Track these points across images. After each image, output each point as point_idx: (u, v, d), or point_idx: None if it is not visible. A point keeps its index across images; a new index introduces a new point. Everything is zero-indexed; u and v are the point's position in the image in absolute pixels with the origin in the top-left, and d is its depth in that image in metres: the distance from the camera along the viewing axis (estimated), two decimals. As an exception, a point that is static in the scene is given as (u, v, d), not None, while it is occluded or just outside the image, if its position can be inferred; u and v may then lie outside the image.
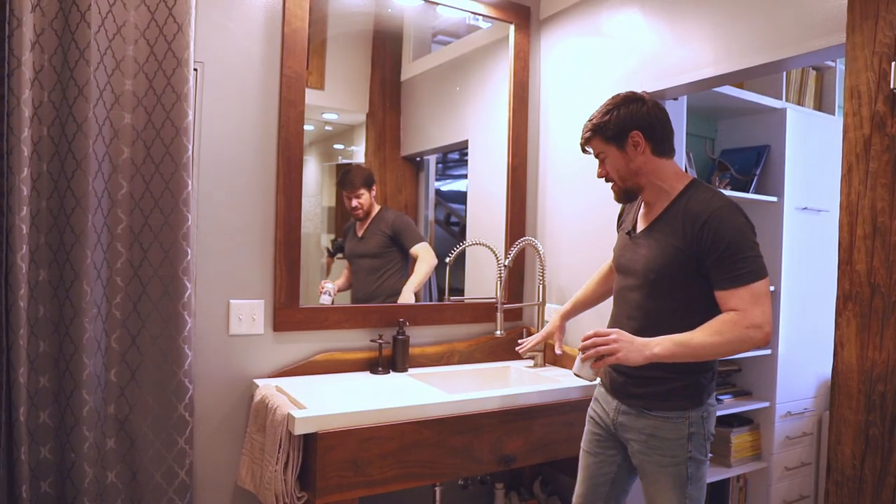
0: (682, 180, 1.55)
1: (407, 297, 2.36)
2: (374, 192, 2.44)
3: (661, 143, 1.54)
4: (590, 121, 1.58)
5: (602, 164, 1.59)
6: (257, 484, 1.77)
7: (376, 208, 2.45)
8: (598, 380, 1.73)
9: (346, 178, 2.44)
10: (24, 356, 1.57)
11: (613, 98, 1.57)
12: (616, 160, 1.55)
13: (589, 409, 1.74)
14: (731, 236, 1.41)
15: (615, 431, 1.62)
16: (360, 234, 2.44)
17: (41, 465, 1.65)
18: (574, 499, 1.73)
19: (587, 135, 1.58)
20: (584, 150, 1.64)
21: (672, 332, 1.43)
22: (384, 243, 2.44)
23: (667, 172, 1.55)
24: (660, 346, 1.41)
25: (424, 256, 2.45)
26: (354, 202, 2.41)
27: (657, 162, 1.54)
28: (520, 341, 2.03)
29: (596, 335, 1.43)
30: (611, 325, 1.62)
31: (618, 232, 1.76)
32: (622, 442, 1.63)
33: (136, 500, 1.76)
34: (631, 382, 1.57)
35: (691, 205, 1.49)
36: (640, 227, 1.61)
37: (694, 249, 1.45)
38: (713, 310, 1.45)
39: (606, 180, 1.61)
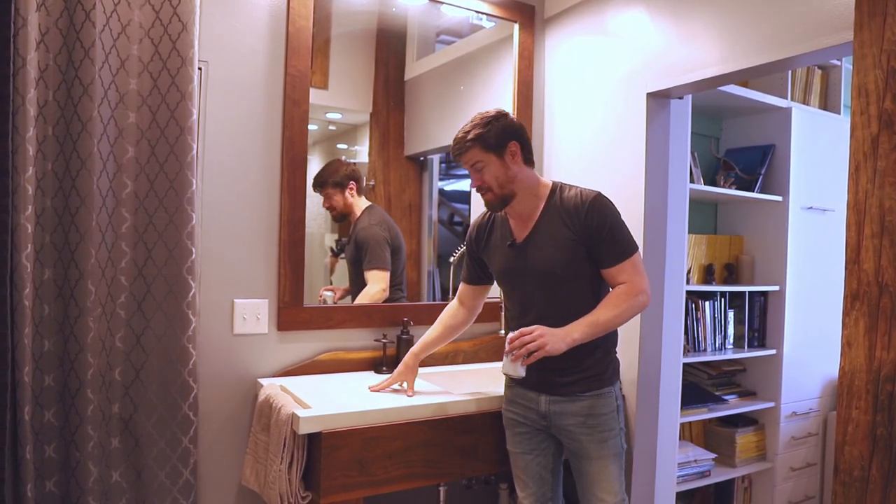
0: (545, 184, 1.72)
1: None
2: (351, 191, 2.31)
3: (529, 152, 1.72)
4: (465, 133, 1.66)
5: (479, 173, 1.67)
6: (261, 483, 1.77)
7: (361, 209, 2.34)
8: (507, 381, 1.83)
9: (315, 178, 2.25)
10: (28, 355, 1.57)
11: (484, 114, 1.68)
12: (495, 168, 1.66)
13: (505, 413, 1.82)
14: (612, 218, 1.64)
15: (548, 422, 1.71)
16: (348, 236, 2.38)
17: (46, 465, 1.64)
18: (527, 500, 1.77)
19: (467, 144, 1.66)
20: (456, 161, 1.71)
21: (580, 316, 1.60)
22: (352, 253, 2.34)
23: (533, 179, 1.71)
24: (577, 331, 1.57)
25: (370, 289, 2.26)
26: (325, 203, 2.29)
27: (527, 170, 1.70)
28: (370, 387, 1.90)
29: (521, 334, 1.55)
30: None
31: (477, 253, 1.86)
32: (551, 432, 1.73)
33: (140, 499, 1.76)
34: (557, 374, 1.67)
35: (567, 200, 1.67)
36: (522, 234, 1.72)
37: (584, 235, 1.63)
38: (602, 286, 1.68)
39: (481, 189, 1.69)
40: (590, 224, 1.62)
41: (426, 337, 1.95)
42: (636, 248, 1.66)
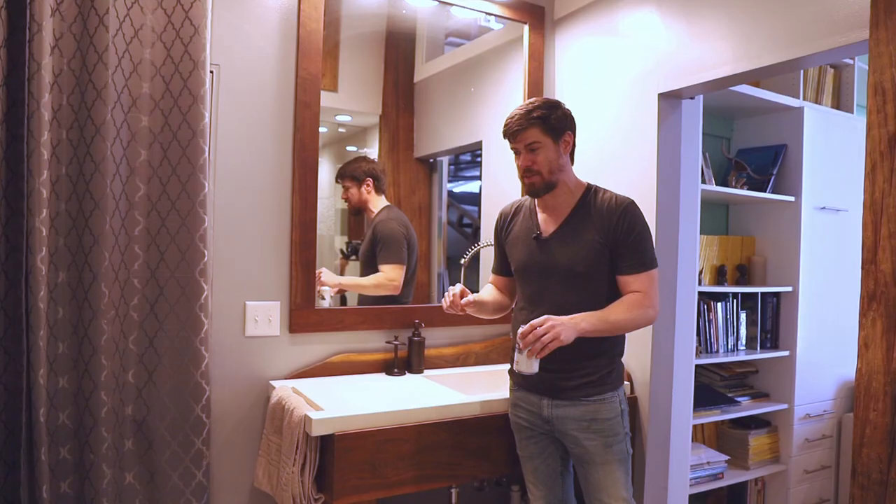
0: (581, 183, 1.72)
1: (329, 278, 2.23)
2: (367, 187, 2.34)
3: (575, 148, 1.72)
4: (526, 110, 1.64)
5: (532, 154, 1.65)
6: (274, 485, 1.77)
7: (379, 206, 2.37)
8: (511, 384, 1.81)
9: (338, 170, 2.38)
10: (43, 358, 1.58)
11: (545, 99, 1.68)
12: (550, 153, 1.65)
13: (511, 418, 1.80)
14: (640, 228, 1.63)
15: (551, 426, 1.69)
16: (360, 238, 2.39)
17: (60, 466, 1.65)
18: (538, 503, 1.77)
19: (531, 121, 1.63)
20: (511, 137, 1.66)
21: None
22: (367, 249, 2.35)
23: (572, 175, 1.72)
24: (585, 321, 1.55)
25: (379, 277, 2.29)
26: (343, 195, 2.36)
27: (569, 164, 1.71)
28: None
29: (533, 327, 1.50)
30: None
31: (502, 242, 1.83)
32: (555, 436, 1.71)
33: (153, 500, 1.77)
34: (562, 377, 1.65)
35: (600, 202, 1.67)
36: (549, 229, 1.70)
37: (611, 239, 1.62)
38: (617, 293, 1.65)
39: (527, 172, 1.66)
40: (619, 228, 1.62)
41: (482, 297, 1.83)
42: (656, 264, 1.66)
